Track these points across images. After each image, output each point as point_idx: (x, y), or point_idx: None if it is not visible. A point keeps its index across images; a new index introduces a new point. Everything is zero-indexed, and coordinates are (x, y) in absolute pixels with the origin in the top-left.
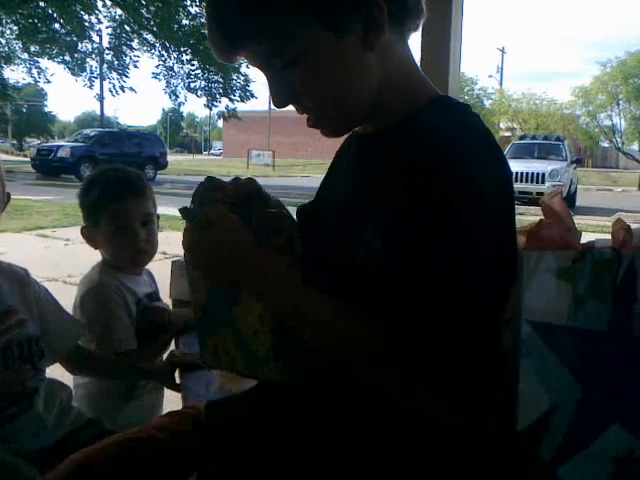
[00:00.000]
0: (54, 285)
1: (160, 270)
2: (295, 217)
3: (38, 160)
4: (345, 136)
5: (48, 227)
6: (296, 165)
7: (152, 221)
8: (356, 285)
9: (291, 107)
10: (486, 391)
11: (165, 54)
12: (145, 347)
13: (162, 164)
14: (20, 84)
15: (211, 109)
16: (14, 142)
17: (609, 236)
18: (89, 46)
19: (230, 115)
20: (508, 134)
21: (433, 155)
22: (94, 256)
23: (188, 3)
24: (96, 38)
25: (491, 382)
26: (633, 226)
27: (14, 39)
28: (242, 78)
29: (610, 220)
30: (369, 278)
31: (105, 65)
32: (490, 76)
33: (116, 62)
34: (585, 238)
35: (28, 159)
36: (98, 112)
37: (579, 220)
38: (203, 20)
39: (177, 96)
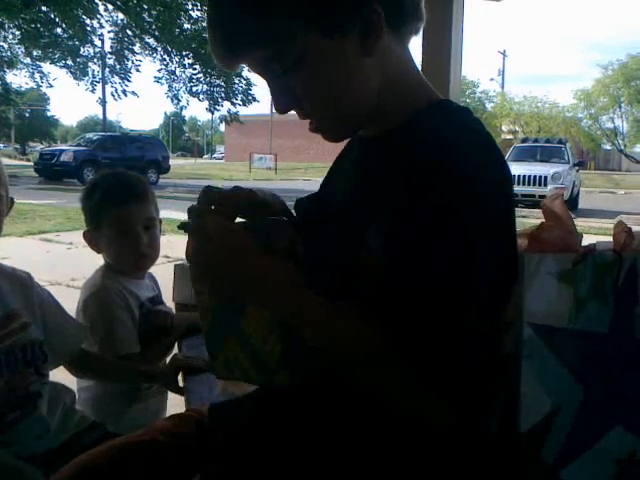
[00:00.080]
0: (57, 289)
1: (163, 274)
2: (293, 209)
3: (41, 164)
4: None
5: (51, 231)
6: (298, 168)
7: (154, 225)
8: (356, 285)
9: (293, 111)
10: (486, 391)
11: (167, 58)
12: (148, 350)
13: (164, 168)
14: (23, 89)
15: (213, 113)
16: (17, 146)
17: (611, 238)
18: (91, 50)
19: (232, 119)
20: (510, 137)
21: (432, 156)
22: (97, 260)
23: (190, 7)
24: (98, 42)
25: (491, 383)
26: (634, 228)
27: (17, 44)
28: (244, 82)
29: (612, 222)
30: (370, 278)
31: (107, 69)
32: (492, 79)
33: (118, 66)
34: (587, 240)
35: (31, 163)
36: (100, 116)
37: (582, 223)
38: (204, 24)
39: (179, 100)
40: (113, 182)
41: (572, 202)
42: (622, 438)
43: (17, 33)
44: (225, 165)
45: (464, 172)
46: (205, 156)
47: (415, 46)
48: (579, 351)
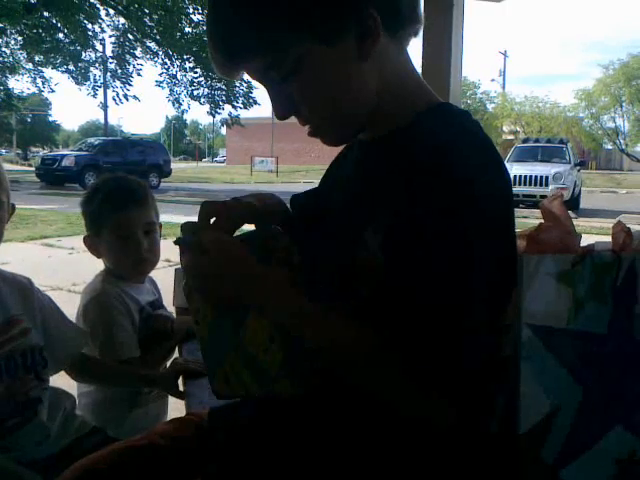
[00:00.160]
0: (59, 294)
1: (164, 278)
2: (289, 205)
3: (42, 169)
4: None
5: (53, 236)
6: (299, 171)
7: (154, 230)
8: (356, 285)
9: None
10: (486, 392)
11: (168, 62)
12: (148, 355)
13: (166, 172)
14: (25, 94)
15: (214, 116)
16: (19, 151)
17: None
18: (93, 55)
19: (233, 122)
20: (511, 137)
21: (432, 158)
22: (98, 265)
23: (191, 11)
24: (99, 47)
25: (491, 383)
26: (636, 228)
27: (18, 49)
28: (245, 85)
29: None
30: (369, 278)
31: (109, 74)
32: (493, 80)
33: (119, 71)
34: (589, 240)
35: (33, 168)
36: (102, 121)
37: (583, 222)
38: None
39: (180, 104)
40: (113, 187)
41: (574, 202)
42: (622, 438)
43: (19, 39)
44: (227, 168)
45: (464, 174)
46: (205, 159)
47: (415, 49)
48: (578, 352)
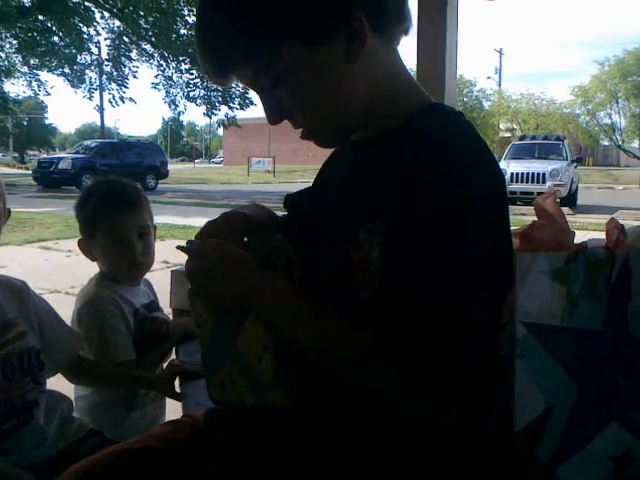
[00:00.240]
0: (56, 297)
1: (161, 279)
2: (283, 205)
3: (39, 172)
4: None
5: (50, 239)
6: (296, 171)
7: (148, 233)
8: (355, 285)
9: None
10: (487, 391)
11: (164, 64)
12: (144, 357)
13: (163, 173)
14: (20, 97)
15: (211, 117)
16: (15, 155)
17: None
18: (88, 58)
19: (230, 123)
20: (508, 135)
21: (428, 157)
22: (95, 267)
23: (186, 13)
24: (95, 50)
25: (491, 382)
26: (633, 224)
27: (14, 53)
28: (241, 86)
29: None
30: (364, 278)
31: (104, 76)
32: (489, 77)
33: (115, 73)
34: (586, 236)
35: (30, 172)
36: (98, 123)
37: (580, 219)
38: None
39: (177, 105)
40: (107, 191)
41: (571, 199)
42: (617, 435)
43: (14, 42)
44: (224, 169)
45: (460, 174)
46: (197, 160)
47: (410, 49)
48: (573, 349)
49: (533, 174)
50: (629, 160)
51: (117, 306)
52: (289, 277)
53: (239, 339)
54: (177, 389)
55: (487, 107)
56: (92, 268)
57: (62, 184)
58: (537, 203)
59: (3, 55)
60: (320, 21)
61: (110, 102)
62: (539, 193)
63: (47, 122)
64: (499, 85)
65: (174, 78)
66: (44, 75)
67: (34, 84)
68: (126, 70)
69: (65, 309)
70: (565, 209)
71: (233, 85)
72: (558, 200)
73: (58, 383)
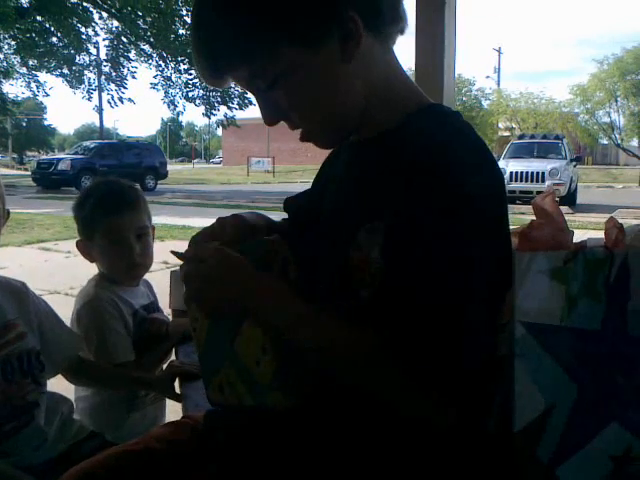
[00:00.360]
0: (55, 297)
1: (161, 280)
2: (283, 207)
3: (38, 173)
4: None
5: (49, 240)
6: (295, 171)
7: (147, 234)
8: (354, 285)
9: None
10: (486, 391)
11: (162, 64)
12: (144, 358)
13: (162, 174)
14: (19, 98)
15: (210, 117)
16: (15, 156)
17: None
18: (87, 58)
19: (229, 123)
20: (507, 134)
21: (427, 158)
22: (95, 268)
23: (184, 13)
24: (93, 50)
25: (490, 383)
26: (633, 222)
27: (12, 54)
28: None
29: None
30: (366, 278)
31: (103, 77)
32: (487, 77)
33: (114, 73)
34: (585, 235)
35: (29, 173)
36: (97, 124)
37: (580, 218)
38: None
39: (176, 105)
40: (105, 191)
41: (570, 197)
42: (617, 435)
43: (12, 43)
44: (223, 169)
45: (459, 174)
46: (195, 160)
47: (408, 49)
48: (572, 349)
49: (532, 173)
50: (628, 159)
51: (116, 307)
52: (285, 277)
53: (237, 342)
54: (177, 390)
55: (486, 106)
56: (91, 269)
57: (61, 185)
58: (536, 202)
59: (2, 56)
60: (315, 23)
61: (109, 103)
62: (538, 192)
63: (46, 123)
64: (498, 84)
65: (173, 78)
66: (43, 76)
67: (33, 85)
68: (125, 70)
69: (64, 310)
70: (564, 208)
71: (232, 85)
72: (557, 199)
73: (58, 384)
